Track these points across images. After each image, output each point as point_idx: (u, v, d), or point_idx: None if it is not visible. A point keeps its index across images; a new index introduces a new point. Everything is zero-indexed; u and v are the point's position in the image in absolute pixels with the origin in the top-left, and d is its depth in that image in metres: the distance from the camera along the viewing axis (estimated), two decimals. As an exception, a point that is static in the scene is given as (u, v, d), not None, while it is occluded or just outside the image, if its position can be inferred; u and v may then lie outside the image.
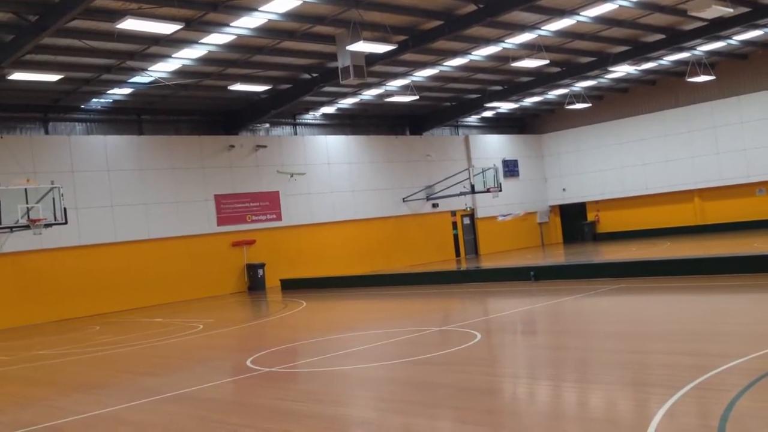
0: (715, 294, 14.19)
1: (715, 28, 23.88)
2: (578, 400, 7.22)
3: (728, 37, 26.41)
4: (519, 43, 23.12)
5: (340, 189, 30.06)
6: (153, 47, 19.21)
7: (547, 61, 24.35)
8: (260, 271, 26.69)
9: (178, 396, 8.98)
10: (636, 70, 29.93)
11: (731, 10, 20.40)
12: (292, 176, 28.37)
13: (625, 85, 33.63)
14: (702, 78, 29.04)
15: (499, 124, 37.80)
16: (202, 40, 19.33)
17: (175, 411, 8.26)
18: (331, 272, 27.64)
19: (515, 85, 29.82)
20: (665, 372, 7.77)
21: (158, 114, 26.46)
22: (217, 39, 19.34)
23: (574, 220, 37.09)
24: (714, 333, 10.03)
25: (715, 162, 31.62)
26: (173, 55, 20.25)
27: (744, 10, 22.42)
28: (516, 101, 33.21)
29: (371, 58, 20.94)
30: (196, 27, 17.88)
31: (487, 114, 35.97)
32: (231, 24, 18.21)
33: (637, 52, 26.00)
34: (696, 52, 28.03)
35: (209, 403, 8.57)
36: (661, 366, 8.21)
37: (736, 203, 31.46)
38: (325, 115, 31.05)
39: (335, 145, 30.40)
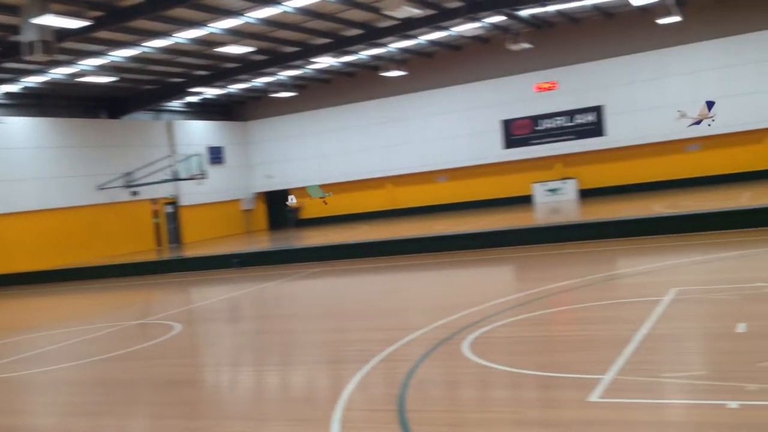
0: (402, 273, 15.41)
1: (406, 27, 25.86)
2: (278, 383, 7.36)
3: (417, 36, 28.78)
4: (225, 29, 22.81)
5: (24, 176, 27.10)
6: None
7: (252, 49, 24.38)
8: None
9: None
10: (337, 62, 31.30)
11: (419, 11, 22.27)
12: (324, 201, 28.34)
13: (327, 77, 34.97)
14: (394, 73, 31.35)
15: (205, 110, 37.05)
16: None
17: None
18: (13, 268, 24.83)
19: (221, 71, 29.40)
20: (358, 348, 8.26)
21: None
22: None
23: (279, 207, 37.81)
24: (400, 309, 10.89)
25: (405, 151, 34.36)
26: None
27: (431, 12, 24.57)
28: (221, 87, 32.81)
29: (62, 34, 19.10)
30: None
31: (192, 99, 35.04)
32: None
33: (338, 45, 27.16)
34: (390, 49, 30.12)
35: None
36: (355, 342, 8.72)
37: (422, 189, 34.61)
38: (7, 94, 27.76)
39: (18, 128, 27.32)
